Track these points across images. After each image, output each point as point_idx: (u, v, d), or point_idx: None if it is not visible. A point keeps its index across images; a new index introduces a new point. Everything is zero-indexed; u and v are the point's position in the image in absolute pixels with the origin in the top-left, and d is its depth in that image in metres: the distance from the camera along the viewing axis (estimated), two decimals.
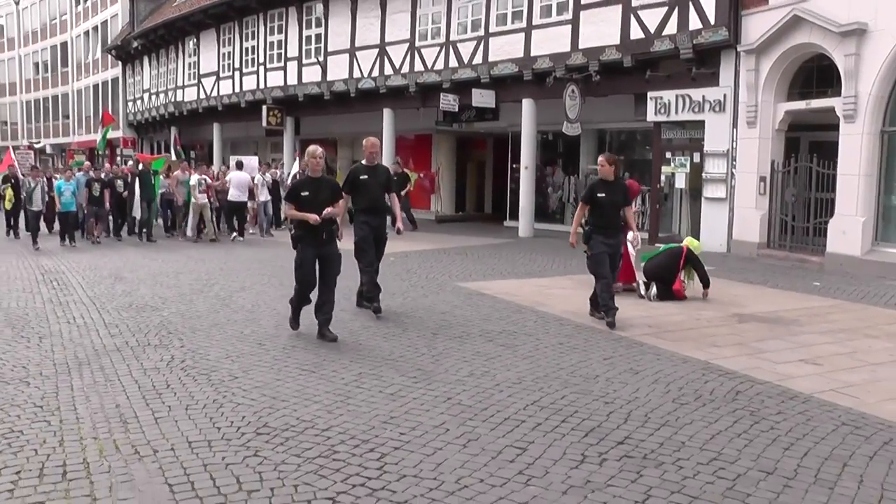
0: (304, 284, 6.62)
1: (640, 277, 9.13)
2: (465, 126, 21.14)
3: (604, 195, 7.30)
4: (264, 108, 24.51)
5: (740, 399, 4.97)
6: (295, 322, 6.84)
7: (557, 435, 4.20)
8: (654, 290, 8.83)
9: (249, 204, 17.70)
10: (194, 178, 16.50)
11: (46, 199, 15.78)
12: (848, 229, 11.22)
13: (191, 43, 28.87)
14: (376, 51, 20.46)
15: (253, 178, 17.60)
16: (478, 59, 17.67)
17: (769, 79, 12.49)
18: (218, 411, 4.59)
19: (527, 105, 17.01)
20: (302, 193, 6.55)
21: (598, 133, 18.16)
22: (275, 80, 24.32)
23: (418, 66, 19.26)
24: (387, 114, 20.78)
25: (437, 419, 4.44)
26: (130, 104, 35.33)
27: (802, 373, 5.67)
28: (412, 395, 4.94)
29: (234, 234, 16.91)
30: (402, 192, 17.55)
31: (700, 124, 13.83)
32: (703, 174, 13.71)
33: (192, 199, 16.33)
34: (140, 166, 18.23)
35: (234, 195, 16.84)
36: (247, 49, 25.64)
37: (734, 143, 13.22)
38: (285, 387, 5.11)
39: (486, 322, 7.45)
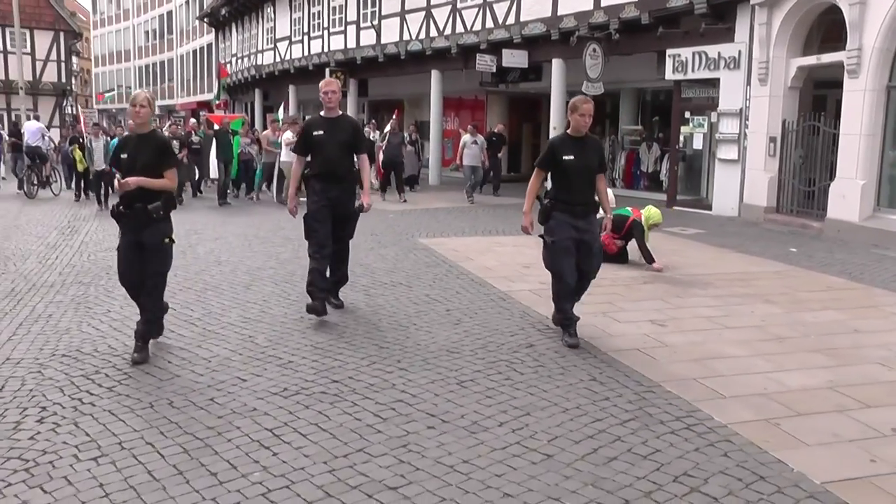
0: (123, 284, 5.06)
1: None
2: (510, 87, 21.05)
3: (571, 157, 5.14)
4: (327, 70, 25.23)
5: (536, 347, 5.09)
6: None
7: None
8: None
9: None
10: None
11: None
12: (847, 193, 10.59)
13: (269, 9, 30.04)
14: (423, 13, 20.67)
15: None
16: (511, 20, 17.57)
17: (781, 33, 11.81)
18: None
19: (556, 65, 16.79)
20: (121, 155, 4.92)
21: (637, 92, 17.69)
22: (337, 43, 25.03)
23: (459, 28, 19.35)
24: (434, 75, 21.02)
25: None
26: (223, 64, 37.20)
27: (630, 331, 5.66)
28: None
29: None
30: (499, 154, 17.63)
31: (717, 83, 13.26)
32: (717, 135, 13.20)
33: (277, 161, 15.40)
34: (215, 127, 16.98)
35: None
36: (314, 14, 26.48)
37: (747, 102, 12.62)
38: None
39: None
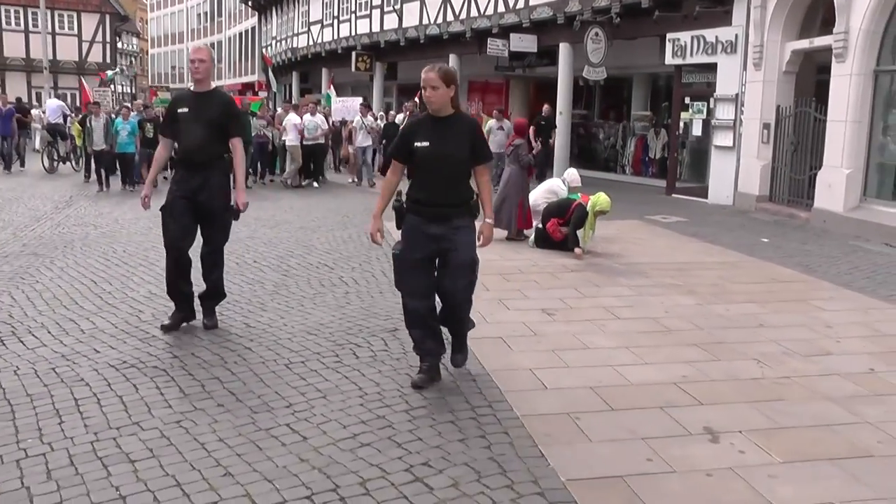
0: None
1: (537, 223, 8.87)
2: (528, 71, 20.71)
3: (426, 144, 3.92)
4: (353, 53, 25.39)
5: (398, 332, 4.99)
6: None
7: None
8: (532, 234, 8.59)
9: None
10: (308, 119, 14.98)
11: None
12: (833, 182, 10.07)
13: None
14: None
15: (342, 122, 17.19)
16: (521, 4, 17.27)
17: (776, 15, 11.27)
18: None
19: (563, 49, 16.43)
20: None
21: (648, 78, 17.19)
22: (363, 27, 25.09)
23: (474, 12, 19.14)
24: (452, 59, 20.81)
25: None
26: (263, 50, 37.75)
27: (511, 319, 5.51)
28: None
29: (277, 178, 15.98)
30: (550, 140, 15.89)
31: (716, 67, 12.76)
32: (713, 121, 12.71)
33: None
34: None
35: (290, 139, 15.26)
36: None
37: (743, 88, 12.11)
38: None
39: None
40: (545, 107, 16.77)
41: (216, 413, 3.65)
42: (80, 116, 16.37)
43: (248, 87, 38.87)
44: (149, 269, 6.98)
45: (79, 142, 15.81)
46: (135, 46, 52.14)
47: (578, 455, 3.29)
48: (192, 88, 5.11)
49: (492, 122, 15.03)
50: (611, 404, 3.90)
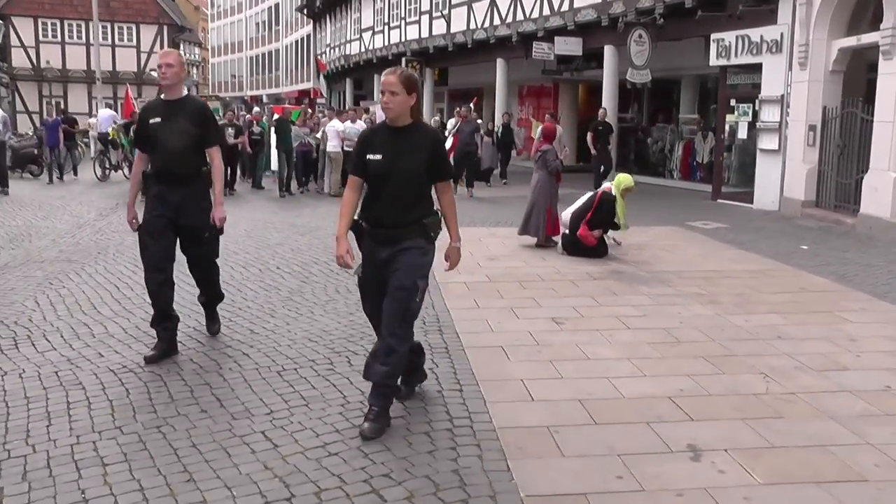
0: None
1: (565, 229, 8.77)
2: (575, 74, 20.52)
3: (378, 157, 3.54)
4: (403, 60, 25.56)
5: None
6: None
7: None
8: (559, 240, 8.50)
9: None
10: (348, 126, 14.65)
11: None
12: (879, 186, 9.64)
13: (355, 1, 30.71)
14: (487, 2, 20.52)
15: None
16: (565, 6, 17.12)
17: (822, 12, 10.86)
18: None
19: (608, 52, 16.22)
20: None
21: (697, 80, 16.79)
22: (412, 33, 25.27)
23: (519, 16, 19.07)
24: (499, 64, 20.84)
25: None
26: (319, 57, 38.41)
27: (517, 328, 5.44)
28: None
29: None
30: (608, 145, 15.06)
31: (760, 68, 12.38)
32: (758, 123, 12.33)
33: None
34: (275, 117, 17.10)
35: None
36: (393, 4, 26.84)
37: (788, 88, 11.71)
38: None
39: None
40: (602, 111, 15.70)
41: (197, 419, 3.71)
42: (123, 124, 16.63)
43: (304, 94, 39.64)
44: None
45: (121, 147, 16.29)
46: (196, 56, 53.75)
47: (546, 470, 3.22)
48: (162, 96, 4.74)
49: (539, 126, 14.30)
50: (595, 418, 3.81)
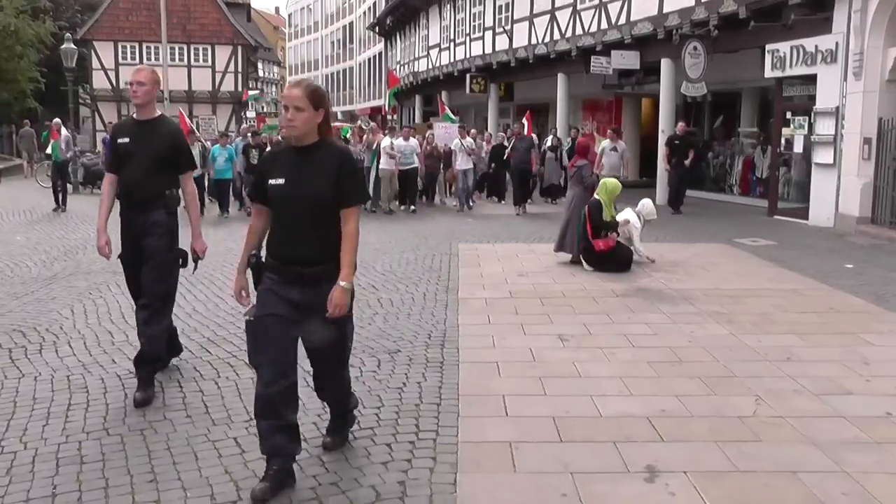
0: None
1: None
2: (636, 88, 20.25)
3: (280, 181, 3.19)
4: (468, 76, 25.84)
5: (398, 356, 5.11)
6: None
7: None
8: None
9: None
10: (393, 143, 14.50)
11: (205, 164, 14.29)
12: None
13: (423, 18, 31.23)
14: (548, 16, 20.55)
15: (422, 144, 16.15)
16: (622, 20, 17.00)
17: (877, 19, 10.48)
18: None
19: (665, 65, 16.00)
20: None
21: (758, 92, 16.32)
22: (476, 49, 25.49)
23: (578, 30, 19.03)
24: (560, 78, 20.83)
25: None
26: (392, 71, 39.14)
27: (520, 345, 5.47)
28: None
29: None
30: (686, 161, 13.79)
31: (815, 79, 11.99)
32: (813, 136, 11.92)
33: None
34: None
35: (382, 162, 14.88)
36: (458, 21, 27.17)
37: (843, 100, 11.30)
38: None
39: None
40: (680, 125, 14.75)
41: (180, 423, 3.93)
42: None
43: (376, 111, 40.46)
44: (207, 287, 7.48)
45: None
46: (275, 74, 55.70)
47: (491, 486, 3.27)
48: (134, 116, 4.46)
49: (605, 143, 14.42)
50: (563, 436, 3.82)
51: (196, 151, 13.83)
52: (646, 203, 9.31)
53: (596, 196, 8.57)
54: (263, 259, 3.30)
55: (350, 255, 3.18)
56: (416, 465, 3.44)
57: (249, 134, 15.38)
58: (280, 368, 3.16)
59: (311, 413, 4.04)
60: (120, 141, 4.37)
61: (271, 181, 3.19)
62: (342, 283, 3.14)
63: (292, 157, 3.22)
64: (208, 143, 15.66)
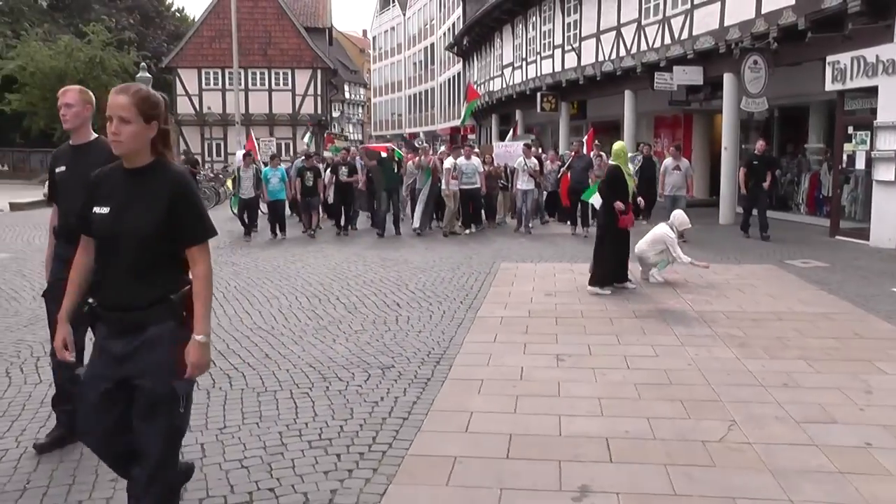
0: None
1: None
2: (703, 104, 19.83)
3: (105, 210, 2.69)
4: (538, 94, 25.93)
5: (391, 371, 5.30)
6: None
7: None
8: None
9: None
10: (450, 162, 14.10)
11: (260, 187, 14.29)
12: None
13: (497, 38, 31.55)
14: (614, 33, 20.43)
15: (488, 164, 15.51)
16: (685, 35, 16.73)
17: None
18: None
19: (727, 80, 15.61)
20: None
21: (827, 106, 15.68)
22: (547, 67, 25.55)
23: (643, 46, 18.83)
24: (627, 95, 20.60)
25: None
26: (472, 85, 39.59)
27: (514, 363, 5.54)
28: None
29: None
30: (764, 183, 12.20)
31: (876, 91, 11.48)
32: (874, 152, 11.40)
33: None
34: (383, 155, 15.62)
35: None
36: (530, 40, 27.32)
37: None
38: None
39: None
40: (759, 143, 13.05)
41: None
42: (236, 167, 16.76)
43: (455, 131, 41.00)
44: (251, 304, 7.86)
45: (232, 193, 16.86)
46: (361, 96, 57.21)
47: (417, 498, 3.40)
48: (70, 142, 3.99)
49: (668, 161, 13.97)
50: (511, 453, 3.90)
51: (250, 174, 14.29)
52: (677, 214, 9.34)
53: (612, 162, 8.74)
54: (95, 308, 2.72)
55: (203, 304, 2.66)
56: (354, 476, 3.61)
57: (305, 157, 15.39)
58: (105, 440, 2.76)
59: (281, 424, 4.28)
60: (57, 170, 3.91)
61: (96, 209, 2.69)
62: (198, 338, 2.65)
63: (122, 181, 2.70)
64: (262, 164, 15.76)
